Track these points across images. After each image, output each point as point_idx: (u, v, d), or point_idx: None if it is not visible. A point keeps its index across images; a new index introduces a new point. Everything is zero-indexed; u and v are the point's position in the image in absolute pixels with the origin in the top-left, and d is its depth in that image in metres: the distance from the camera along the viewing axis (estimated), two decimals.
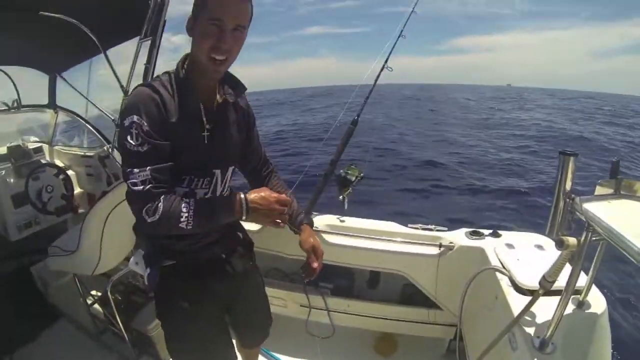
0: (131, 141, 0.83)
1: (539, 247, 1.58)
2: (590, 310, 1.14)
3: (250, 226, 1.63)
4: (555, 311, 1.00)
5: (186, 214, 0.85)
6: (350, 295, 1.98)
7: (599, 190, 0.94)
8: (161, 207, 0.84)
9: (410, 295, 1.91)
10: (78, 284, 1.97)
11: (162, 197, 0.85)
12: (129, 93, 0.93)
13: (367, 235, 1.82)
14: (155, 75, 1.04)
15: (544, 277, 1.02)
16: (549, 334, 1.02)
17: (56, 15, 1.88)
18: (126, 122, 0.84)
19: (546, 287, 1.02)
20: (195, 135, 0.97)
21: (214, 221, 0.92)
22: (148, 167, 0.84)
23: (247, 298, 1.29)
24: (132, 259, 1.07)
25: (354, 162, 1.85)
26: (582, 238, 0.90)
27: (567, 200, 0.97)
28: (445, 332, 1.91)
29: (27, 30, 2.03)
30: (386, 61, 1.90)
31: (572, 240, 0.90)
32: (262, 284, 1.38)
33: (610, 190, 0.92)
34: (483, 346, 1.30)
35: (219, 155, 1.03)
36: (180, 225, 0.85)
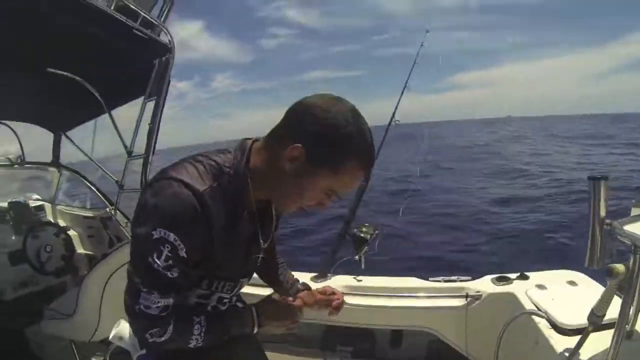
0: (158, 260, 0.67)
1: (572, 283, 1.52)
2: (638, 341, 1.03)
3: None
4: (610, 348, 0.89)
5: (197, 336, 0.76)
6: (372, 357, 1.85)
7: (635, 211, 0.89)
8: (170, 330, 0.73)
9: (438, 351, 1.78)
10: (75, 351, 1.86)
11: (173, 319, 0.74)
12: (160, 188, 0.68)
13: (387, 294, 1.72)
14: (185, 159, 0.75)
15: (592, 312, 0.93)
16: None
17: (63, 72, 1.86)
18: (155, 234, 0.65)
19: (596, 322, 0.93)
20: (240, 256, 0.83)
21: (224, 338, 0.82)
22: (172, 296, 0.72)
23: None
24: (115, 331, 0.93)
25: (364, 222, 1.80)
26: (631, 262, 0.82)
27: (605, 226, 0.90)
28: None
29: (33, 87, 2.04)
30: (393, 115, 1.90)
31: (620, 267, 0.83)
32: (260, 346, 1.19)
33: None
34: None
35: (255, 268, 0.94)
36: (187, 346, 0.76)
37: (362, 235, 1.75)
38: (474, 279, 1.77)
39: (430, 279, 1.81)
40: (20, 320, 2.17)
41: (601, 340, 0.98)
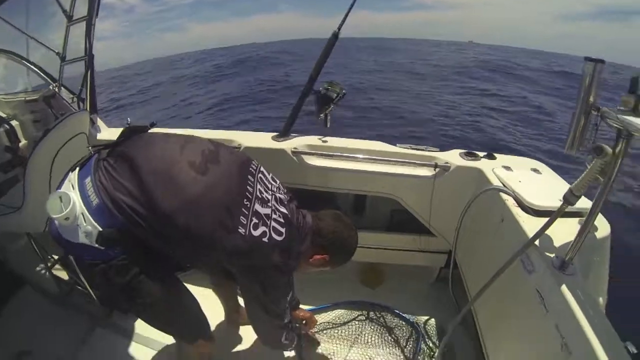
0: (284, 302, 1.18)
1: (535, 170, 1.54)
2: (597, 233, 1.10)
3: None
4: (580, 230, 0.92)
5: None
6: None
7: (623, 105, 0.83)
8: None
9: (399, 221, 1.82)
10: (34, 245, 1.75)
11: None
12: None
13: (353, 155, 1.67)
14: None
15: (570, 191, 0.92)
16: (569, 254, 0.95)
17: None
18: (284, 301, 1.17)
19: (572, 201, 0.93)
20: None
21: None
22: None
23: None
24: (61, 209, 0.88)
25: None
26: (619, 147, 0.80)
27: (593, 112, 0.88)
28: (435, 260, 1.85)
29: None
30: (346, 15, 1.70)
31: (609, 148, 0.81)
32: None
33: (629, 107, 0.81)
34: (485, 272, 1.23)
35: None
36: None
37: (328, 93, 1.65)
38: (442, 150, 1.76)
39: (398, 145, 1.78)
40: None
41: (566, 225, 1.01)
